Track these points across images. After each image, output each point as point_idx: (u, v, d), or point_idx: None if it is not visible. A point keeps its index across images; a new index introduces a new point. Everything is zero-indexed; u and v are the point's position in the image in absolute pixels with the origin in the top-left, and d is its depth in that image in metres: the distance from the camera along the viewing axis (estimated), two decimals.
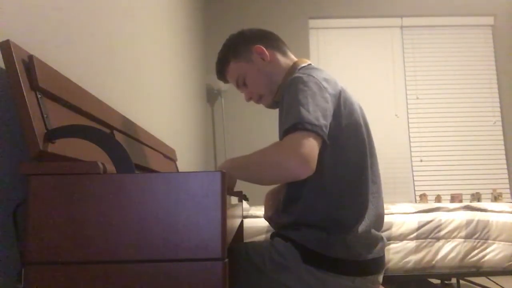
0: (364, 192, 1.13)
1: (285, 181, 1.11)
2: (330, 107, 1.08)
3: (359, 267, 1.08)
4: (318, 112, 1.03)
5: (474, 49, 4.21)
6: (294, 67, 1.25)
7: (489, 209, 2.52)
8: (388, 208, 2.52)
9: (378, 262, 1.13)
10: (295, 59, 1.31)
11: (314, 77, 1.11)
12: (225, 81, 1.36)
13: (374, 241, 1.13)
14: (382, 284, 1.18)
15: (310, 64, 1.26)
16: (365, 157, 1.15)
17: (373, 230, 1.12)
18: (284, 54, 1.30)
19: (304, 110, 1.03)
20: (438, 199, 3.68)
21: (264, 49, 1.26)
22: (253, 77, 1.27)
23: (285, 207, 1.20)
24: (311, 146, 0.99)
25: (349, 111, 1.14)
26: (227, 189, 0.68)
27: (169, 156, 1.80)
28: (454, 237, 2.40)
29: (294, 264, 1.07)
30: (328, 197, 1.10)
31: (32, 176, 0.61)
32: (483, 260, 2.38)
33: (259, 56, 1.26)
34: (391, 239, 2.38)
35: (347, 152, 1.12)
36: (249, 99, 1.33)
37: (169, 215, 0.61)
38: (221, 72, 1.33)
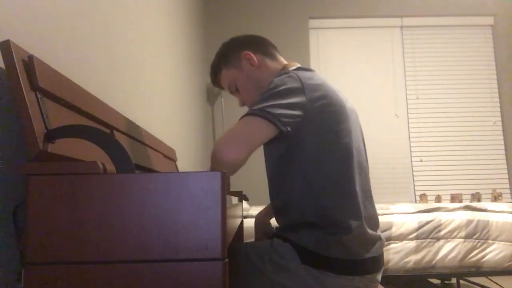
0: (353, 192, 1.11)
1: (217, 167, 0.99)
2: (299, 103, 1.07)
3: (358, 266, 1.08)
4: (276, 103, 1.04)
5: (474, 49, 4.21)
6: (282, 70, 1.25)
7: (489, 209, 2.52)
8: (388, 208, 2.52)
9: (376, 261, 1.13)
10: (285, 62, 1.33)
11: (294, 76, 1.11)
12: (221, 88, 1.41)
13: (371, 240, 1.13)
14: (382, 284, 1.18)
15: (299, 67, 1.26)
16: (350, 159, 1.13)
17: (369, 230, 1.12)
18: (273, 58, 1.32)
19: (261, 100, 1.05)
20: (438, 199, 3.68)
21: (252, 54, 1.29)
22: (244, 83, 1.30)
23: (279, 211, 1.20)
24: (245, 130, 1.00)
25: (331, 116, 1.12)
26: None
27: (169, 156, 1.80)
28: (454, 237, 2.40)
29: (293, 264, 1.07)
30: (316, 197, 1.09)
31: (32, 176, 0.61)
32: (483, 260, 2.38)
33: (248, 62, 1.29)
34: (391, 239, 2.38)
35: (330, 154, 1.11)
36: (242, 104, 1.35)
37: (169, 215, 0.61)
38: (215, 80, 1.38)
